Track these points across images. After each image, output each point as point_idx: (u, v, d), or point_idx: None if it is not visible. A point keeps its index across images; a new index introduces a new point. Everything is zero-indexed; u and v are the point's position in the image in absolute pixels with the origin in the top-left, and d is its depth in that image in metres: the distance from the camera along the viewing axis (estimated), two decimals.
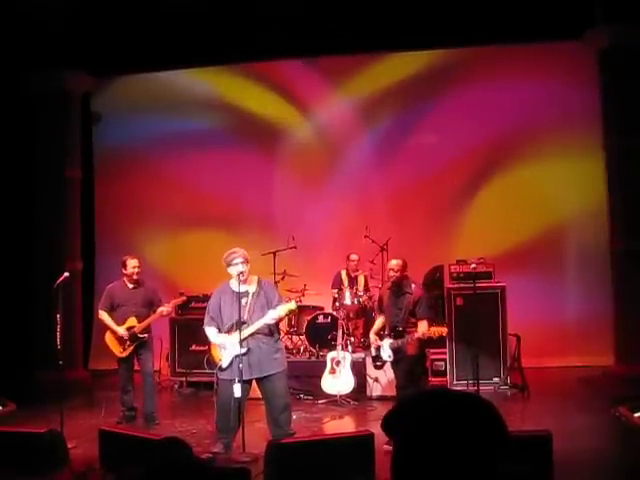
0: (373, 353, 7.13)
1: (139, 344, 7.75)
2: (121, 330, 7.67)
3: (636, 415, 7.12)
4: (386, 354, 6.88)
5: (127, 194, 11.74)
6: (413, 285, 7.02)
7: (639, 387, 8.12)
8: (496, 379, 8.81)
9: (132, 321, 7.72)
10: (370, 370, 8.78)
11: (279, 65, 11.30)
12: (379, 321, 7.20)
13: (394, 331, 6.87)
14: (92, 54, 10.58)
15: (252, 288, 6.49)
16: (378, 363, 7.18)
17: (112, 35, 10.30)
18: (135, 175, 11.80)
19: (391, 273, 6.99)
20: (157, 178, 11.70)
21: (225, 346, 6.43)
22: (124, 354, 7.74)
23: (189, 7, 9.79)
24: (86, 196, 11.49)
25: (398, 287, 6.97)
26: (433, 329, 6.85)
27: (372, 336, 7.15)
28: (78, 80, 11.09)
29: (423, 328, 6.77)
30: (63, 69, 10.65)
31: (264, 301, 6.47)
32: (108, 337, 7.81)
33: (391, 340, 6.84)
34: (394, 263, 7.01)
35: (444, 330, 7.08)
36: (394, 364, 7.03)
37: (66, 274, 7.16)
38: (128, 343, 7.69)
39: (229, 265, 6.45)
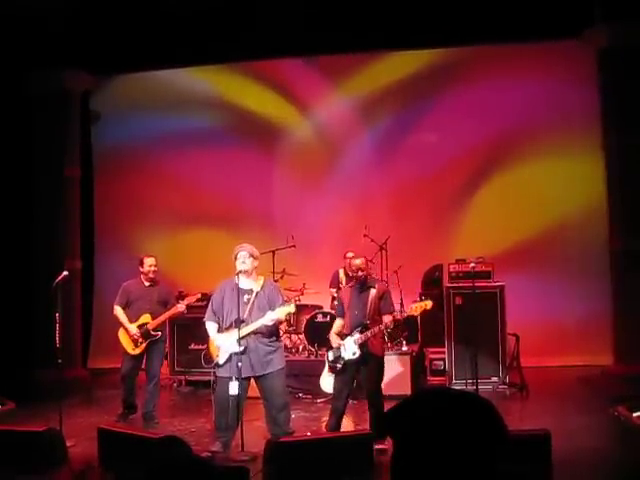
0: (331, 357, 6.80)
1: (151, 343, 7.71)
2: (133, 328, 7.64)
3: (635, 415, 7.12)
4: (350, 352, 6.60)
5: (126, 193, 11.74)
6: (377, 282, 6.96)
7: (638, 386, 8.12)
8: (495, 378, 8.80)
9: (146, 318, 7.70)
10: None
11: (279, 64, 11.29)
12: (338, 323, 6.92)
13: (361, 326, 6.63)
14: (91, 53, 10.59)
15: (256, 287, 6.51)
16: (338, 365, 6.73)
17: (111, 34, 10.31)
18: (134, 174, 11.79)
19: (359, 273, 6.80)
20: (156, 177, 11.70)
21: (223, 345, 6.44)
22: (136, 351, 7.69)
23: (188, 6, 9.80)
24: (85, 195, 11.49)
25: (362, 284, 6.83)
26: (416, 305, 6.63)
27: (333, 336, 6.84)
28: (77, 79, 11.10)
29: (387, 320, 6.63)
30: (62, 68, 10.66)
31: (265, 302, 6.47)
32: (121, 334, 7.77)
33: (357, 335, 6.59)
34: (359, 262, 6.83)
35: (427, 303, 6.71)
36: (355, 367, 6.69)
37: (65, 273, 7.16)
38: (141, 340, 7.66)
39: (235, 259, 6.48)
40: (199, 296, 8.22)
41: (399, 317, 6.71)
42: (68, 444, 6.29)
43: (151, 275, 7.87)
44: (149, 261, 7.88)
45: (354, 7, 9.83)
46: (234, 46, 10.36)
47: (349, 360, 6.65)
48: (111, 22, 10.17)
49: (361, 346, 6.59)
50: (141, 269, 7.90)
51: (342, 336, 6.76)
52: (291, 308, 6.64)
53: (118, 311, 7.83)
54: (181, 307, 7.89)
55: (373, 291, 6.75)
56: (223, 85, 11.79)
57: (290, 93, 11.56)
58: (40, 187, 10.90)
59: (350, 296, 6.90)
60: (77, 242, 11.17)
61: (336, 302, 7.81)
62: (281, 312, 6.44)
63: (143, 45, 10.40)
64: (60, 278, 7.06)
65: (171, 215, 11.62)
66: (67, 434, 6.41)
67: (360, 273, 6.81)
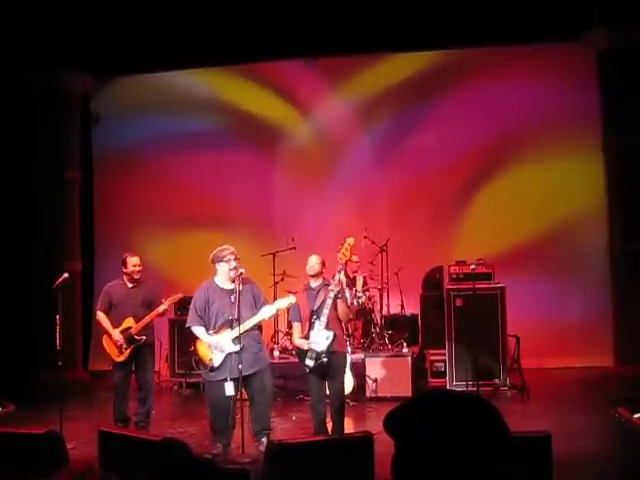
0: (311, 362, 6.44)
1: (138, 349, 7.31)
2: (116, 334, 7.24)
3: (636, 416, 7.13)
4: (323, 341, 6.37)
5: (126, 195, 11.74)
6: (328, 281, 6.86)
7: (639, 388, 8.12)
8: (495, 380, 8.80)
9: (129, 322, 7.31)
10: (369, 371, 8.79)
11: (279, 66, 11.29)
12: (298, 328, 6.72)
13: (314, 314, 6.48)
14: (92, 55, 10.59)
15: (239, 285, 6.50)
16: (324, 360, 6.38)
17: (111, 36, 10.31)
18: (135, 176, 11.79)
19: (315, 270, 6.66)
20: (156, 178, 11.70)
21: (220, 346, 6.45)
22: (121, 358, 7.29)
23: (188, 8, 9.80)
24: (85, 197, 11.50)
25: (318, 284, 6.69)
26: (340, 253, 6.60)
27: (301, 341, 6.54)
28: (77, 81, 11.11)
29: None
30: (62, 70, 10.66)
31: (251, 298, 6.54)
32: (105, 340, 7.42)
33: (318, 321, 6.41)
34: (317, 259, 6.68)
35: (349, 240, 6.73)
36: (321, 368, 6.49)
37: (65, 275, 7.14)
38: (125, 346, 7.25)
39: (220, 261, 6.50)
40: (181, 296, 7.75)
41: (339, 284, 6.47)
42: (68, 446, 6.25)
43: (135, 276, 7.39)
44: (133, 260, 7.39)
45: (355, 9, 9.83)
46: (234, 48, 10.37)
47: (327, 348, 6.39)
48: (111, 24, 10.17)
49: (328, 329, 6.39)
50: (124, 269, 7.41)
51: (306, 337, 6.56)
52: (292, 299, 6.66)
53: (101, 317, 7.43)
54: (162, 308, 7.34)
55: (325, 287, 6.62)
56: (223, 87, 11.79)
57: (290, 95, 11.56)
58: (40, 189, 10.91)
59: (307, 298, 6.74)
60: (77, 244, 11.18)
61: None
62: (283, 302, 6.52)
63: (143, 47, 10.40)
64: (60, 280, 7.05)
65: (171, 217, 11.62)
66: (67, 436, 6.36)
67: (316, 270, 6.65)
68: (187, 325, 6.75)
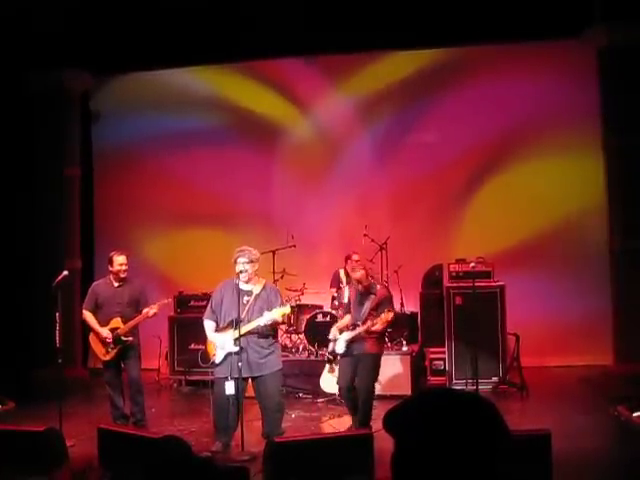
0: (330, 348, 7.31)
1: (124, 348, 7.23)
2: (104, 332, 7.16)
3: (635, 414, 7.13)
4: (339, 346, 7.01)
5: (126, 192, 11.74)
6: (378, 286, 7.22)
7: (638, 386, 8.12)
8: (495, 378, 8.80)
9: (116, 322, 7.21)
10: None
11: (279, 63, 11.28)
12: (346, 318, 7.29)
13: (353, 326, 7.02)
14: (91, 53, 10.59)
15: (256, 289, 6.58)
16: (331, 357, 7.38)
17: (111, 34, 10.30)
18: (134, 173, 11.79)
19: (359, 286, 7.11)
20: (156, 176, 11.69)
21: (221, 344, 6.47)
22: (107, 357, 7.23)
23: (188, 5, 9.80)
24: (85, 194, 11.50)
25: (366, 290, 7.11)
26: (383, 317, 6.96)
27: (334, 329, 7.25)
28: (77, 79, 11.10)
29: (378, 326, 6.86)
30: (62, 68, 10.65)
31: (264, 304, 6.51)
32: (92, 339, 7.37)
33: (349, 332, 6.98)
34: (359, 275, 7.09)
35: (389, 315, 7.05)
36: (349, 363, 7.01)
37: (65, 272, 7.14)
38: (112, 346, 7.18)
39: (234, 263, 6.52)
40: (171, 300, 7.65)
41: (372, 325, 6.91)
42: (68, 444, 6.28)
43: (121, 275, 7.32)
44: (119, 259, 7.32)
45: (354, 7, 9.82)
46: (234, 46, 10.36)
47: (337, 353, 7.11)
48: (111, 22, 10.16)
49: (349, 344, 6.95)
50: (110, 268, 7.35)
51: (341, 332, 7.13)
52: (287, 309, 6.73)
53: (87, 316, 7.34)
54: (151, 312, 7.24)
55: (372, 297, 7.01)
56: (223, 85, 11.78)
57: (290, 93, 11.55)
58: (40, 187, 10.89)
59: (354, 298, 7.23)
60: (77, 242, 11.17)
61: (345, 300, 8.33)
62: (277, 313, 6.48)
63: (143, 45, 10.39)
64: (60, 278, 7.06)
65: (171, 215, 11.61)
66: (67, 434, 6.40)
67: (360, 286, 7.10)
68: (203, 317, 6.83)
